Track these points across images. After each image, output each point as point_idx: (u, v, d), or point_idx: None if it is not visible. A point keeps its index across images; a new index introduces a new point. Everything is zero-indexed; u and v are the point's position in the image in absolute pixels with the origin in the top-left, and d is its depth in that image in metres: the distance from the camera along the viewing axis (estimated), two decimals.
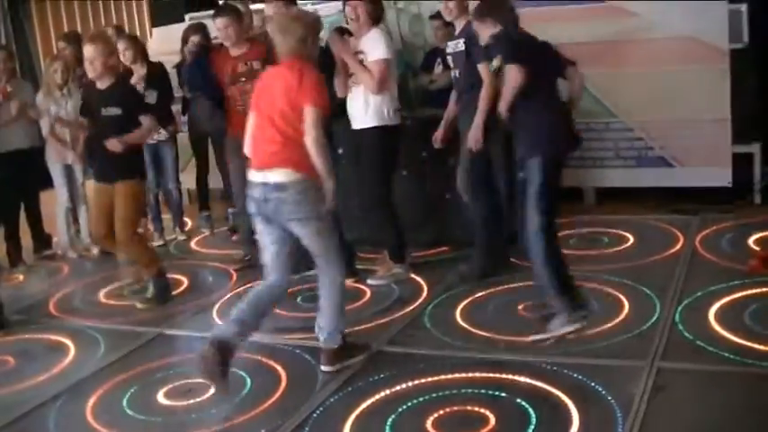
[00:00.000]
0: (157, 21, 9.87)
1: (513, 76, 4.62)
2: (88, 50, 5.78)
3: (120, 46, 7.29)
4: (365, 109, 5.88)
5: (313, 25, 4.63)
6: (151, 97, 7.25)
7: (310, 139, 4.37)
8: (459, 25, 5.79)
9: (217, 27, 6.26)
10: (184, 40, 7.43)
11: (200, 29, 7.45)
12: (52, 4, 13.72)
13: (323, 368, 4.68)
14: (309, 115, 4.38)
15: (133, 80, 7.21)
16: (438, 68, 7.07)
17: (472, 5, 5.42)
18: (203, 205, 8.11)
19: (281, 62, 4.55)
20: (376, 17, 5.90)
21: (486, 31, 5.07)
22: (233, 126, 6.21)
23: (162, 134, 7.49)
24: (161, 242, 7.75)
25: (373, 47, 5.81)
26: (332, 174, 4.46)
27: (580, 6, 6.82)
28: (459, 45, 5.74)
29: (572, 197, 7.64)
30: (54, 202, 7.45)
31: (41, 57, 13.15)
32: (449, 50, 5.90)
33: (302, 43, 4.49)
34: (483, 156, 5.67)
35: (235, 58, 6.22)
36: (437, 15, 7.03)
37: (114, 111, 5.80)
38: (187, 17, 8.83)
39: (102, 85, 5.88)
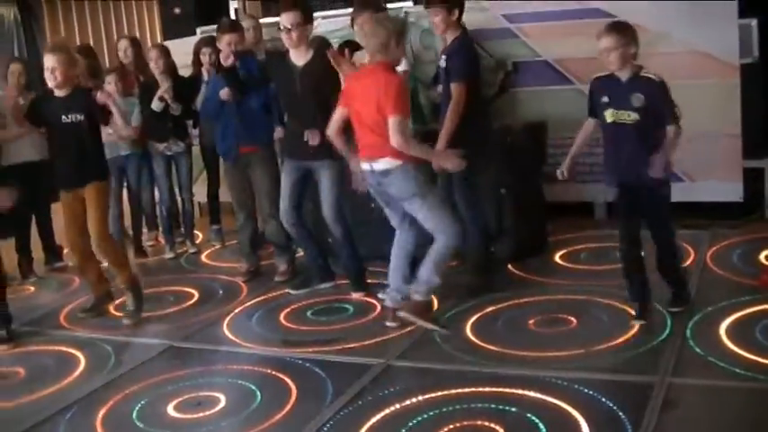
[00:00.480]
0: (168, 34, 9.90)
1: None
2: (49, 60, 5.77)
3: (153, 54, 7.39)
4: None
5: (396, 30, 5.09)
6: (177, 110, 7.30)
7: (396, 144, 4.94)
8: (448, 40, 5.81)
9: (224, 42, 6.29)
10: (196, 54, 7.45)
11: (212, 42, 7.48)
12: (65, 16, 13.79)
13: (399, 314, 5.24)
14: (392, 124, 4.91)
15: (159, 92, 7.25)
16: None
17: None
18: (214, 219, 8.12)
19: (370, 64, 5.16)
20: None
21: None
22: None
23: (180, 146, 7.53)
24: (172, 255, 7.77)
25: None
26: (429, 151, 5.25)
27: (590, 21, 6.82)
28: (442, 61, 5.77)
29: (582, 212, 7.65)
30: None
31: None
32: (440, 66, 5.91)
33: (385, 47, 5.02)
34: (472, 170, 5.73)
35: None
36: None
37: (77, 117, 5.83)
38: (198, 31, 8.87)
39: (61, 93, 5.86)
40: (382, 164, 5.09)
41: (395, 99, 4.93)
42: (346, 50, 6.17)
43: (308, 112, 5.94)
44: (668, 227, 5.17)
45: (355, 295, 6.11)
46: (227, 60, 6.14)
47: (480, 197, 5.94)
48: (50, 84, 5.85)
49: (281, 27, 5.89)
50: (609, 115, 4.96)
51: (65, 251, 7.45)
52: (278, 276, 6.68)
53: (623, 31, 4.89)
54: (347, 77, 5.51)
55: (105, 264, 6.21)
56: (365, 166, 5.20)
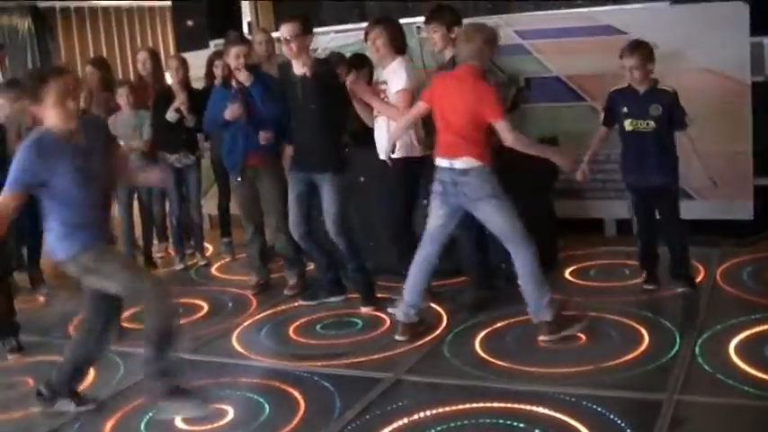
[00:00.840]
0: (182, 46, 9.93)
1: None
2: None
3: (173, 64, 7.44)
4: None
5: (489, 38, 5.24)
6: (192, 121, 7.32)
7: (510, 143, 5.12)
8: (446, 57, 5.82)
9: (232, 55, 6.33)
10: (209, 66, 7.49)
11: None
12: (78, 28, 13.87)
13: (540, 338, 5.25)
14: (500, 128, 5.10)
15: (176, 103, 7.27)
16: None
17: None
18: (225, 231, 8.12)
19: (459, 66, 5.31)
20: (397, 47, 5.92)
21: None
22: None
23: (190, 159, 7.55)
24: (182, 266, 7.79)
25: (395, 78, 5.84)
26: (546, 149, 5.53)
27: (602, 38, 6.84)
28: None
29: (593, 228, 7.64)
30: None
31: None
32: None
33: (480, 52, 5.19)
34: None
35: None
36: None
37: None
38: (212, 44, 8.90)
39: None
40: (462, 162, 5.18)
41: (494, 105, 5.12)
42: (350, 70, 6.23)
43: (309, 123, 5.99)
44: (681, 223, 5.88)
45: (364, 310, 6.11)
46: (247, 80, 6.16)
47: None
48: None
49: (281, 39, 5.93)
50: (628, 124, 5.64)
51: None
52: (287, 290, 6.68)
53: (645, 49, 5.59)
54: (433, 76, 5.60)
55: None
56: (444, 162, 5.27)
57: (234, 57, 6.31)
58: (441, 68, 5.89)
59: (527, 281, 5.23)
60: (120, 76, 10.57)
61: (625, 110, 5.69)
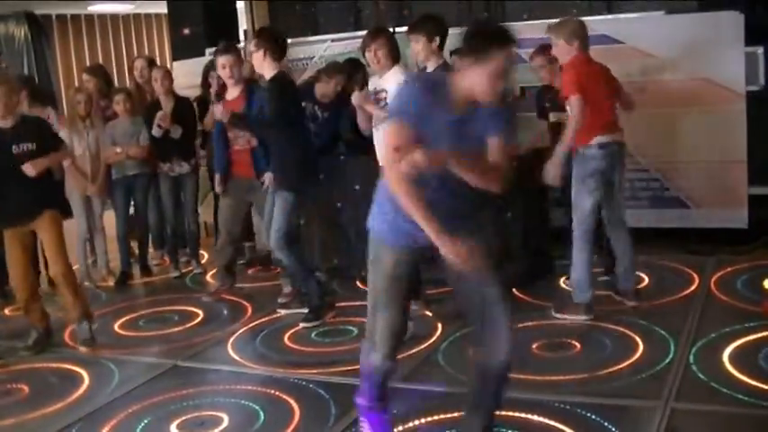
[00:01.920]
0: (178, 54, 9.95)
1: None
2: None
3: (157, 74, 7.44)
4: None
5: (572, 30, 5.62)
6: (176, 132, 7.32)
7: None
8: (430, 68, 5.82)
9: (219, 66, 6.39)
10: (205, 75, 7.51)
11: None
12: (75, 35, 13.89)
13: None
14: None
15: (160, 113, 7.28)
16: None
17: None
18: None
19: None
20: (394, 56, 5.95)
21: None
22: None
23: (184, 167, 7.55)
24: (177, 273, 7.78)
25: (394, 86, 5.86)
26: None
27: (597, 48, 6.86)
28: None
29: None
30: (73, 232, 7.49)
31: (63, 88, 13.30)
32: None
33: (567, 43, 5.59)
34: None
35: (231, 101, 6.43)
36: (456, 53, 7.06)
37: (28, 146, 5.66)
38: (207, 52, 8.91)
39: (6, 124, 5.68)
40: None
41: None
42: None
43: (268, 135, 6.18)
44: None
45: (302, 324, 6.13)
46: (223, 116, 6.19)
47: None
48: None
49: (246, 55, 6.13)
50: (552, 117, 6.30)
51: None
52: (281, 297, 6.69)
53: (548, 52, 6.01)
54: (572, 72, 5.61)
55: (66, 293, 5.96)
56: (608, 138, 5.61)
57: (220, 67, 6.37)
58: (420, 76, 5.90)
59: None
60: (117, 84, 10.56)
61: (548, 104, 6.40)
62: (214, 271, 7.79)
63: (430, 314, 6.02)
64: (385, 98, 5.91)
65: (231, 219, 6.76)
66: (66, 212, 7.19)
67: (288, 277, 6.72)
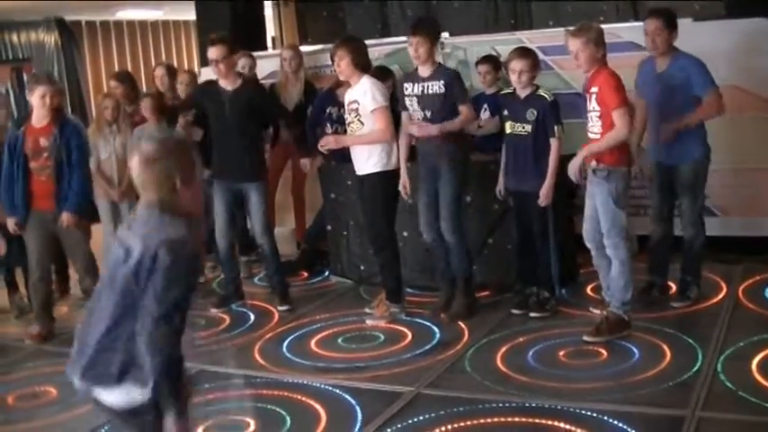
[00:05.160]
0: (205, 60, 10.00)
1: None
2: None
3: (184, 79, 7.53)
4: (367, 156, 6.05)
5: (600, 35, 5.46)
6: (197, 135, 7.36)
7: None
8: (428, 69, 5.87)
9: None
10: None
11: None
12: (104, 42, 14.00)
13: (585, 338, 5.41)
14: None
15: (180, 124, 7.32)
16: (485, 114, 7.07)
17: None
18: (243, 250, 8.04)
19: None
20: (362, 65, 6.01)
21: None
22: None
23: (205, 173, 7.56)
24: (202, 280, 7.79)
25: (365, 98, 5.97)
26: None
27: (623, 54, 6.84)
28: (435, 87, 5.83)
29: None
30: (101, 236, 7.54)
31: (92, 93, 13.41)
32: (414, 92, 5.96)
33: (599, 49, 5.44)
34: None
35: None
36: (484, 60, 7.09)
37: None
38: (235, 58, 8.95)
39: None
40: None
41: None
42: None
43: (235, 137, 6.49)
44: (546, 235, 6.08)
45: (281, 308, 6.59)
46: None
47: (464, 222, 6.14)
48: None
49: (210, 60, 6.46)
50: (508, 127, 5.91)
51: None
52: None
53: (532, 56, 5.89)
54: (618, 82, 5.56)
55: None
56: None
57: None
58: (414, 81, 5.97)
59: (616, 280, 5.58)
60: (145, 89, 10.60)
61: (506, 113, 5.95)
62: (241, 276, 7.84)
63: (444, 316, 6.09)
64: (356, 109, 5.96)
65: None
66: (95, 218, 7.28)
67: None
